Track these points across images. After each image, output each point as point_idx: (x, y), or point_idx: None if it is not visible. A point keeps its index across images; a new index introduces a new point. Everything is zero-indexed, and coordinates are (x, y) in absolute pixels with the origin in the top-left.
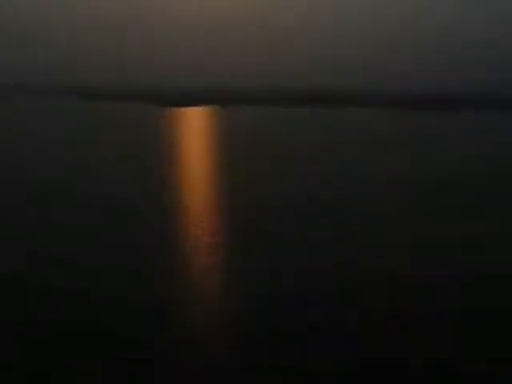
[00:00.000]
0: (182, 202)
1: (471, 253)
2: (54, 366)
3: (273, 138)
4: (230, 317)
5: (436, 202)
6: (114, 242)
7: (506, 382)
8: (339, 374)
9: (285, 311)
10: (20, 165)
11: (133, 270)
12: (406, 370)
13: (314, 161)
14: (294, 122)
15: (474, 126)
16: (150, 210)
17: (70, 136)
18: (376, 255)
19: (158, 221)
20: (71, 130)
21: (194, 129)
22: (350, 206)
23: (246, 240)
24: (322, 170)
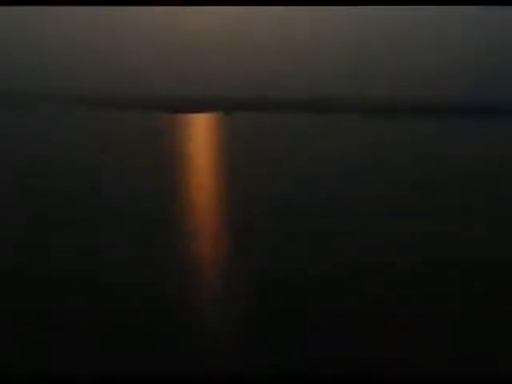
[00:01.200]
0: (189, 203)
1: (471, 251)
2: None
3: (274, 143)
4: (230, 314)
5: (436, 204)
6: (120, 240)
7: (506, 382)
8: (339, 373)
9: (286, 309)
10: (40, 171)
11: (136, 268)
12: (406, 369)
13: (315, 165)
14: (294, 128)
15: (475, 131)
16: (157, 211)
17: (78, 142)
18: (376, 254)
19: (163, 220)
20: (78, 136)
21: (199, 134)
22: (350, 207)
23: (248, 240)
24: (322, 174)
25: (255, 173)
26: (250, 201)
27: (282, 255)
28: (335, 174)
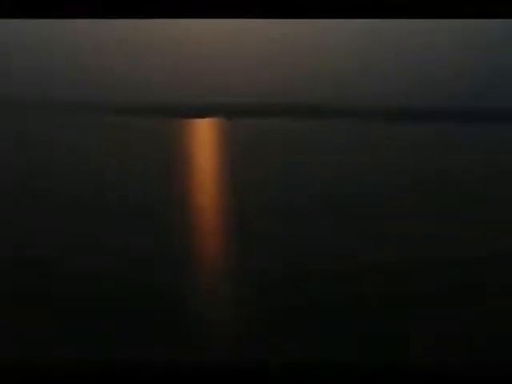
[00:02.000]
0: (190, 203)
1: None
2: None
3: (273, 147)
4: (230, 313)
5: (435, 206)
6: (126, 239)
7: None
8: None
9: (286, 309)
10: (55, 174)
11: (139, 267)
12: (406, 369)
13: (314, 169)
14: (293, 132)
15: (472, 136)
16: (157, 211)
17: (86, 147)
18: (376, 254)
19: (163, 221)
20: (86, 141)
21: (201, 137)
22: (349, 209)
23: (248, 241)
24: (321, 177)
25: (255, 175)
26: (249, 203)
27: (281, 255)
28: (334, 177)
